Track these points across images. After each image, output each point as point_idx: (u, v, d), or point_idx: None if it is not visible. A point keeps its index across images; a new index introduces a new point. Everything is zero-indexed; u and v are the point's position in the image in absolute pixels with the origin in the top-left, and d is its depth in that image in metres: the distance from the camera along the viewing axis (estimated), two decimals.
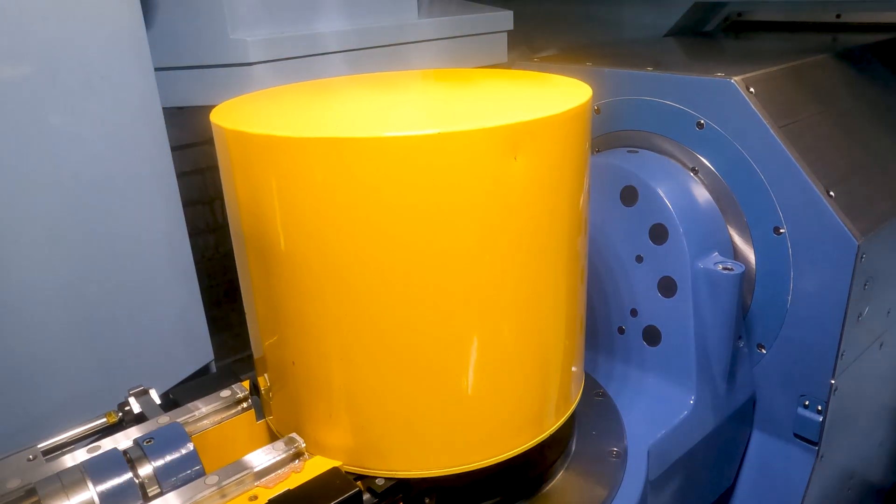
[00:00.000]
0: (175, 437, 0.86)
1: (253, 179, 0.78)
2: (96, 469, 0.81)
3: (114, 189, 0.98)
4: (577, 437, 1.10)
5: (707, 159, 1.28)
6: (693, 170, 1.30)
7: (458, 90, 0.97)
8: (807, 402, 1.28)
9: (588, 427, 1.13)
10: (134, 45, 1.00)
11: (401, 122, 0.77)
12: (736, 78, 1.22)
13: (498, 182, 0.73)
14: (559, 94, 0.87)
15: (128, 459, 0.83)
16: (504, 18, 1.69)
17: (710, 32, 1.88)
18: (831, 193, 1.17)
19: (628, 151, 1.36)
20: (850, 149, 1.33)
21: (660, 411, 1.20)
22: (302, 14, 1.35)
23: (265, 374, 0.93)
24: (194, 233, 1.74)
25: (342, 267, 0.74)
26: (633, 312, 1.29)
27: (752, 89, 1.22)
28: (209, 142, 0.82)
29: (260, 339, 0.91)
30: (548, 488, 0.98)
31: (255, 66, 1.25)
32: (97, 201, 0.96)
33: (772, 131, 1.18)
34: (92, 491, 0.79)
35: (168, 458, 0.83)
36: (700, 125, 1.27)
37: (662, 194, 1.22)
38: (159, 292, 1.10)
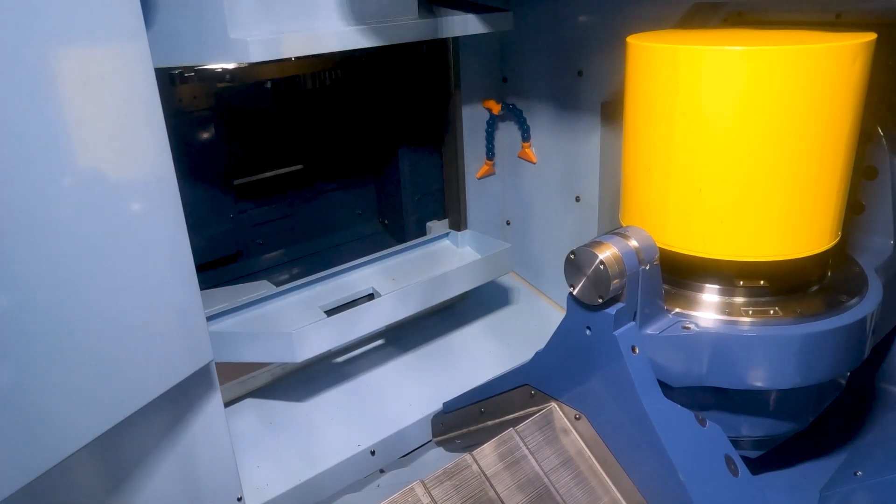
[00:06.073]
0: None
1: (690, 81, 1.06)
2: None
3: (114, 189, 0.98)
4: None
5: None
6: None
7: (780, 36, 1.12)
8: None
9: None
10: (134, 45, 0.99)
11: (781, 42, 1.02)
12: None
13: (846, 75, 1.03)
14: (850, 35, 1.07)
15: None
16: (504, 18, 1.67)
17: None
18: None
19: None
20: None
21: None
22: (302, 14, 1.36)
23: (667, 203, 1.16)
24: None
25: (744, 134, 1.05)
26: None
27: None
28: None
29: (669, 181, 1.14)
30: (829, 279, 1.24)
31: None
32: (97, 201, 0.95)
33: None
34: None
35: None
36: None
37: None
38: (159, 292, 1.07)
